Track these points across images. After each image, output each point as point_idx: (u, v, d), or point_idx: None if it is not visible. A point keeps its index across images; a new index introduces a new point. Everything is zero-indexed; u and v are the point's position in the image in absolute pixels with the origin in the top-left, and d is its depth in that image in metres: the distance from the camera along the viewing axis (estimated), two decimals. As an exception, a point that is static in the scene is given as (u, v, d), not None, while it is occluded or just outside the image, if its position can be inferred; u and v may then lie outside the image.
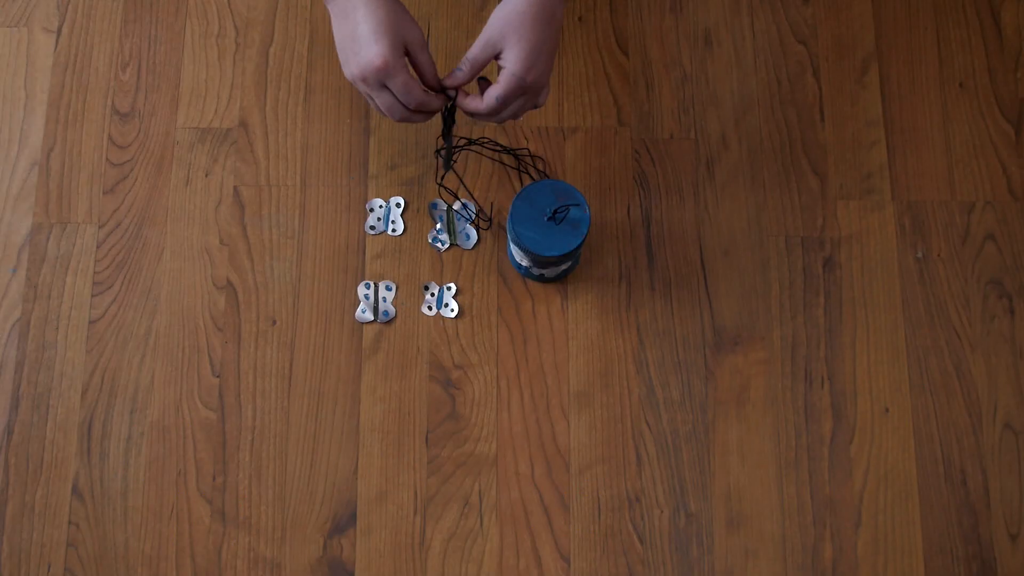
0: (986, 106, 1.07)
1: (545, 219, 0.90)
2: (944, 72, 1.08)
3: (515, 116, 0.87)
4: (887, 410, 0.99)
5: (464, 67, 0.84)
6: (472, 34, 1.08)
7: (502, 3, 0.82)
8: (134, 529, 0.96)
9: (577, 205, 0.89)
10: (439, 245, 1.02)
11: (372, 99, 0.86)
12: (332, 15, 0.85)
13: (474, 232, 1.02)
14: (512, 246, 0.95)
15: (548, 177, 1.03)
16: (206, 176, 1.05)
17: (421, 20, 1.09)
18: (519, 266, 0.99)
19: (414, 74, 0.85)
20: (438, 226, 1.03)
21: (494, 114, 0.85)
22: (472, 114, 0.86)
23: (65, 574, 0.95)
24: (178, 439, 0.98)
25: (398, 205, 1.00)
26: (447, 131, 0.93)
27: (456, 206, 1.03)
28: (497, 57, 0.83)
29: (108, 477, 0.97)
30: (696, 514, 0.96)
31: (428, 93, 0.85)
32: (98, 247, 1.03)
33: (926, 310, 1.01)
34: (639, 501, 0.97)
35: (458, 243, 1.02)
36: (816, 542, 0.96)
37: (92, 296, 1.01)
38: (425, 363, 1.00)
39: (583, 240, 0.90)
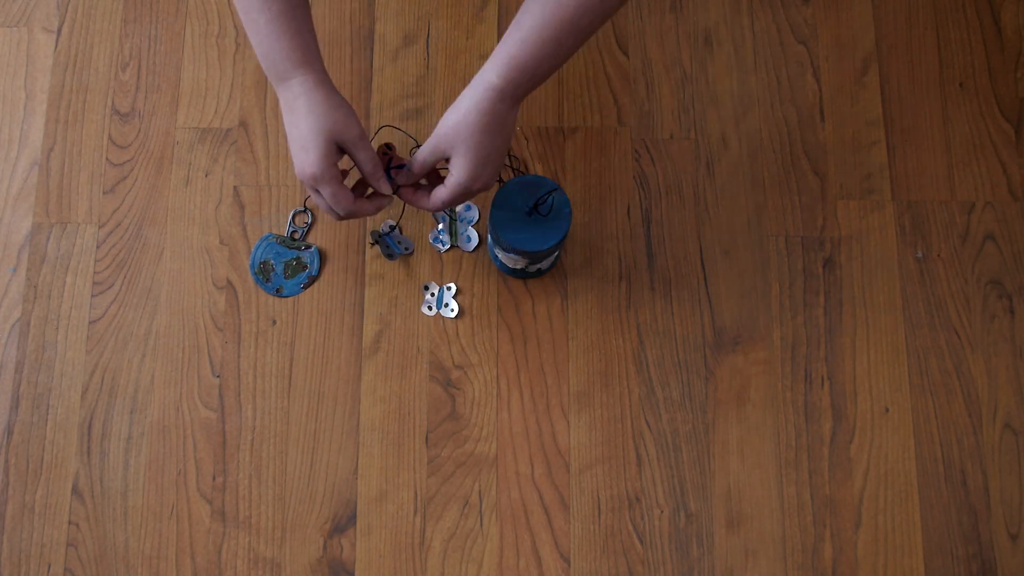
0: (986, 106, 1.07)
1: (527, 215, 0.89)
2: (944, 72, 1.08)
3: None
4: (887, 410, 0.99)
5: (413, 167, 0.85)
6: (472, 34, 1.08)
7: (454, 107, 0.82)
8: (134, 529, 0.96)
9: (555, 190, 0.88)
10: (440, 245, 1.02)
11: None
12: (281, 105, 0.85)
13: (475, 235, 1.02)
14: (503, 255, 0.95)
15: (526, 172, 1.04)
16: (206, 176, 1.05)
17: (421, 20, 1.09)
18: (515, 271, 0.99)
19: (349, 179, 0.85)
20: (440, 226, 1.03)
21: (438, 211, 0.87)
22: (417, 206, 0.88)
23: (65, 574, 0.95)
24: (178, 439, 0.98)
25: (448, 288, 1.01)
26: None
27: (459, 208, 1.03)
28: (446, 160, 0.84)
29: (108, 477, 0.97)
30: (696, 514, 0.96)
31: (358, 201, 0.85)
32: (98, 247, 1.03)
33: (926, 310, 1.01)
34: (639, 501, 0.97)
35: (459, 244, 1.02)
36: (816, 542, 0.96)
37: (92, 296, 1.01)
38: (425, 363, 1.00)
39: (571, 219, 0.89)
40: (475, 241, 1.02)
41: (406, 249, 1.02)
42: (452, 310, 1.00)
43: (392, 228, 1.02)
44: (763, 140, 1.06)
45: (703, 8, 1.10)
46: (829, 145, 1.06)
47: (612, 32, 1.09)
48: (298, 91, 0.82)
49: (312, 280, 1.02)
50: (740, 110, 1.07)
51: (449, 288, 1.01)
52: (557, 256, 0.98)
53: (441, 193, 0.84)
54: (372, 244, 1.02)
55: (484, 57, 1.08)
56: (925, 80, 1.08)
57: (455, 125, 0.82)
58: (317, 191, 0.84)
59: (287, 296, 1.01)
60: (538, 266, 0.97)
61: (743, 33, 1.09)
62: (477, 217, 1.03)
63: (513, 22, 0.81)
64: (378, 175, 0.85)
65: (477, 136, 0.81)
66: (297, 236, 1.03)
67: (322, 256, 1.02)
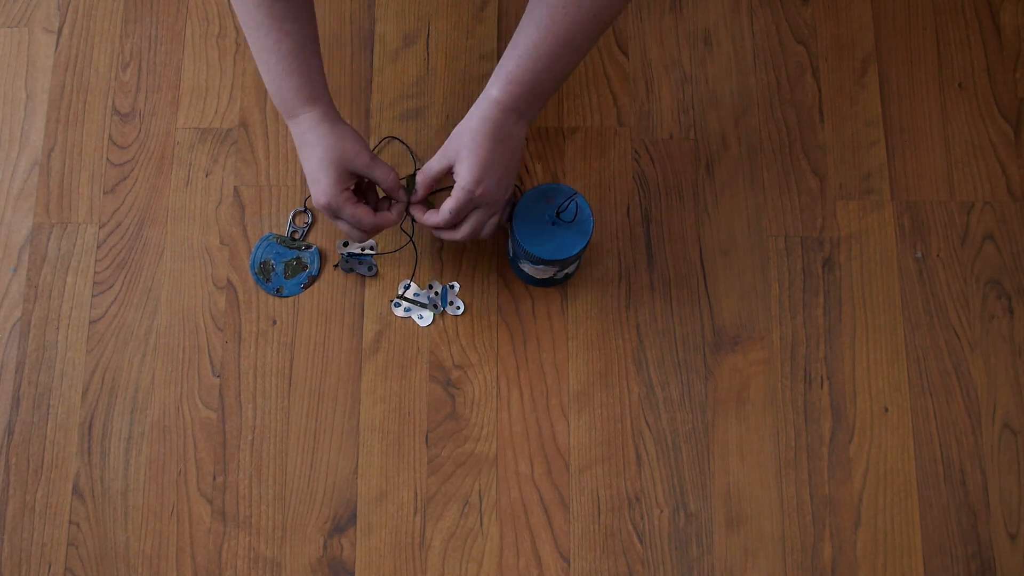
0: (985, 106, 1.07)
1: (550, 224, 0.89)
2: (943, 72, 1.08)
3: (477, 233, 0.90)
4: (886, 410, 0.99)
5: (422, 178, 0.89)
6: (472, 34, 1.08)
7: (462, 121, 0.86)
8: (134, 529, 0.96)
9: (574, 194, 0.89)
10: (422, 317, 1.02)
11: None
12: (294, 139, 0.90)
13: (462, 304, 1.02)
14: (531, 268, 0.95)
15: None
16: (206, 176, 1.05)
17: (421, 20, 1.09)
18: (543, 281, 0.99)
19: (361, 206, 0.89)
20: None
21: (450, 226, 0.90)
22: (433, 228, 0.91)
23: (66, 574, 0.95)
24: (178, 439, 0.98)
25: (452, 287, 1.01)
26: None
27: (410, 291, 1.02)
28: (452, 172, 0.87)
29: (109, 477, 0.97)
30: (696, 514, 0.97)
31: (380, 215, 0.90)
32: (98, 247, 1.03)
33: (925, 310, 1.01)
34: (639, 501, 0.97)
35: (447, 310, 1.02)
36: (816, 542, 0.96)
37: (93, 296, 1.02)
38: (425, 363, 1.00)
39: (593, 220, 0.90)
40: (462, 310, 1.02)
41: (369, 269, 1.02)
42: (458, 308, 1.00)
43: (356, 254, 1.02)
44: (763, 140, 1.06)
45: (703, 8, 1.10)
46: (828, 145, 1.06)
47: (612, 32, 1.09)
48: (307, 126, 0.87)
49: (312, 280, 1.02)
50: (740, 110, 1.07)
51: (452, 287, 1.01)
52: (580, 259, 0.99)
53: (448, 203, 0.87)
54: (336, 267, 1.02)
55: (484, 57, 1.08)
56: (924, 80, 1.08)
57: (459, 133, 0.86)
58: (337, 218, 0.89)
59: (287, 296, 1.01)
60: (566, 271, 0.97)
61: (743, 33, 1.09)
62: (459, 287, 1.03)
63: (511, 40, 0.85)
64: (397, 187, 0.90)
65: (479, 140, 0.85)
66: (297, 236, 1.03)
67: (322, 256, 1.03)
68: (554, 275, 0.97)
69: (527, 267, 0.96)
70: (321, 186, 0.86)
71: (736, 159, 1.05)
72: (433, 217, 0.90)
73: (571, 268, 0.97)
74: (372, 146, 1.05)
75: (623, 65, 1.08)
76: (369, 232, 0.90)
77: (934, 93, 1.07)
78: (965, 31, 1.09)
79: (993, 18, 1.09)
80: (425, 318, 1.01)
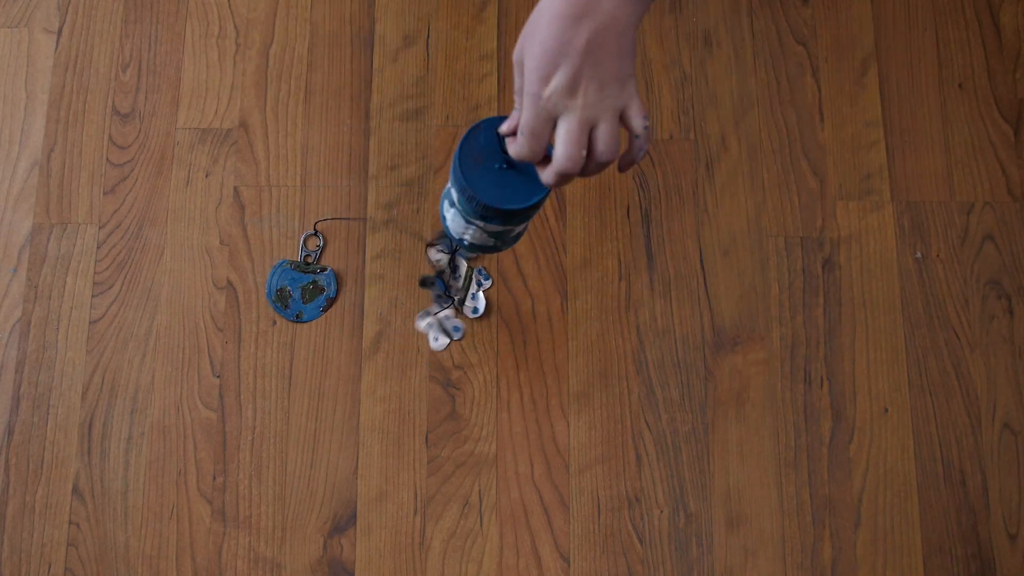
0: (985, 107, 1.07)
1: (499, 169, 0.69)
2: (943, 73, 1.08)
3: (608, 157, 0.63)
4: (886, 410, 0.99)
5: (518, 100, 0.66)
6: (472, 34, 1.08)
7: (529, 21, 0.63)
8: (134, 529, 0.96)
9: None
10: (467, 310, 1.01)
11: None
12: None
13: (483, 302, 1.01)
14: (473, 231, 0.74)
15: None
16: (206, 176, 1.05)
17: (421, 21, 1.09)
18: (481, 249, 0.78)
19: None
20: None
21: (548, 159, 0.65)
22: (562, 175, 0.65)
23: (66, 574, 0.95)
24: (178, 439, 0.98)
25: (480, 284, 1.01)
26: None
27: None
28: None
29: (108, 477, 0.97)
30: (696, 514, 0.97)
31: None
32: (98, 247, 1.03)
33: (925, 310, 1.01)
34: (639, 501, 0.97)
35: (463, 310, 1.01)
36: (815, 542, 0.96)
37: (92, 296, 1.02)
38: (425, 363, 1.00)
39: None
40: (481, 311, 1.01)
41: (455, 329, 1.00)
42: (477, 311, 1.00)
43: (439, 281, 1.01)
44: (762, 141, 1.06)
45: (703, 9, 1.10)
46: (828, 146, 1.06)
47: (612, 33, 1.09)
48: None
49: (331, 303, 1.01)
50: (740, 111, 1.07)
51: (482, 283, 1.00)
52: (528, 222, 0.76)
53: (552, 160, 0.64)
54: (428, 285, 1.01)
55: (484, 57, 1.08)
56: (924, 81, 1.08)
57: (527, 25, 0.63)
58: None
59: (307, 321, 1.01)
60: (516, 232, 0.76)
61: (743, 34, 1.09)
62: (490, 284, 1.02)
63: None
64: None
65: (546, 20, 0.60)
66: (311, 260, 1.03)
67: (338, 277, 1.02)
68: (500, 238, 0.75)
69: (470, 232, 0.74)
70: None
71: (736, 159, 1.05)
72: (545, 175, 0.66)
73: (521, 228, 0.75)
74: (307, 230, 1.05)
75: (623, 65, 1.08)
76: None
77: (934, 93, 1.08)
78: (965, 31, 1.09)
79: (993, 18, 1.09)
80: (440, 341, 1.00)
